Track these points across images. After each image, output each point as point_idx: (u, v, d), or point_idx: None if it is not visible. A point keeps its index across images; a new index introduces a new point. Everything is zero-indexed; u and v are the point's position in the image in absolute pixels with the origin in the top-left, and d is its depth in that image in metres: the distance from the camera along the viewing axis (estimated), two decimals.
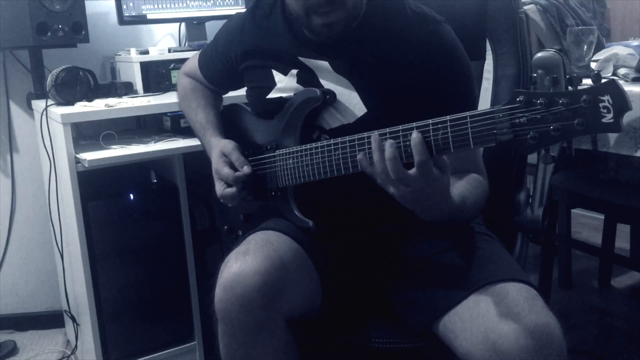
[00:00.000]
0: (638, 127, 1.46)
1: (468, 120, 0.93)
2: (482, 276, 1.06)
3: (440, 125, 0.95)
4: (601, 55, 1.78)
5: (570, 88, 0.85)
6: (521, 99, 0.88)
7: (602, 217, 2.54)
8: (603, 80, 0.83)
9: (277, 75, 1.27)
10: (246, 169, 1.25)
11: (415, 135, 0.96)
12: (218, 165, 1.28)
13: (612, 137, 1.51)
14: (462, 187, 1.12)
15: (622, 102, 0.81)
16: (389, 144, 0.98)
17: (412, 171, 0.96)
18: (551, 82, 0.86)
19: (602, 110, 0.82)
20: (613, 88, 0.81)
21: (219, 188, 1.29)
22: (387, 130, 1.02)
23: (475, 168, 1.20)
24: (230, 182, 1.26)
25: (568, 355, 0.97)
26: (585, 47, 1.76)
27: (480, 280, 1.05)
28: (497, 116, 0.90)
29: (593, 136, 0.87)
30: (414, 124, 0.98)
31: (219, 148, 1.30)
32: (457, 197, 1.07)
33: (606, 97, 0.82)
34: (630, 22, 2.29)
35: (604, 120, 0.82)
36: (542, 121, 0.86)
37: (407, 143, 0.98)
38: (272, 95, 1.28)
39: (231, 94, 1.55)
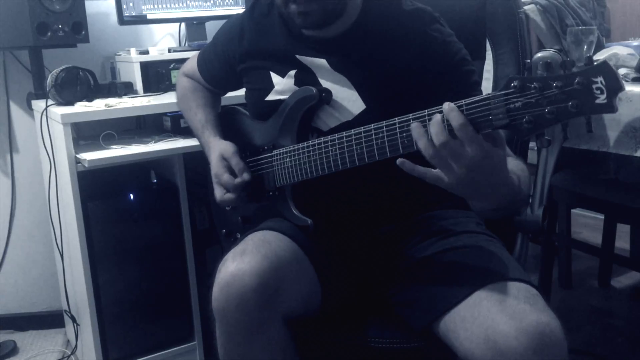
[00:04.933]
0: (638, 127, 1.46)
1: (464, 107, 0.93)
2: (483, 276, 1.06)
3: (437, 113, 0.95)
4: (601, 55, 1.78)
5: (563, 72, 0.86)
6: (516, 84, 0.88)
7: (602, 217, 2.54)
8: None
9: (275, 78, 1.27)
10: (245, 176, 1.25)
11: (445, 105, 0.93)
12: (218, 170, 1.28)
13: (612, 137, 1.51)
14: (512, 165, 1.05)
15: (614, 83, 0.82)
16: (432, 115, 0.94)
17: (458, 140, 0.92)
18: (544, 67, 0.87)
19: (595, 91, 0.83)
20: (605, 69, 0.83)
21: (219, 193, 1.29)
22: (384, 123, 1.02)
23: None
24: (229, 189, 1.26)
25: (568, 355, 0.96)
26: (585, 47, 1.75)
27: (481, 280, 1.05)
28: (493, 102, 0.91)
29: (587, 118, 0.87)
30: (410, 115, 0.99)
31: (219, 151, 1.30)
32: (514, 176, 1.02)
33: (599, 79, 0.83)
34: (630, 22, 2.29)
35: (597, 101, 0.83)
36: (536, 105, 0.87)
37: (404, 134, 0.99)
38: (271, 97, 1.28)
39: (230, 94, 1.55)
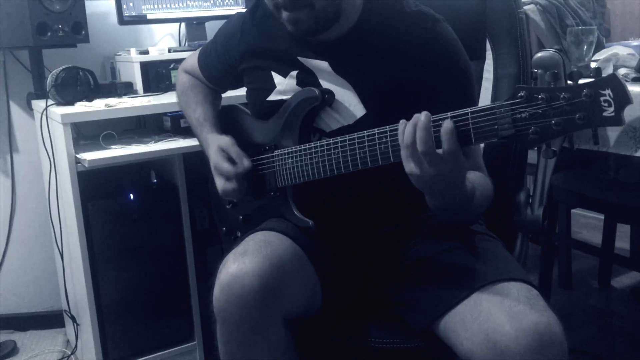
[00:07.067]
0: (638, 127, 1.46)
1: (469, 116, 0.93)
2: (483, 276, 1.06)
3: (441, 122, 0.95)
4: (601, 55, 1.78)
5: (570, 83, 0.85)
6: (522, 94, 0.88)
7: (602, 217, 2.54)
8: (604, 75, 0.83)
9: (277, 77, 1.27)
10: (246, 162, 1.25)
11: (446, 124, 0.94)
12: (217, 161, 1.28)
13: (612, 137, 1.51)
14: (471, 176, 1.09)
15: (623, 96, 0.82)
16: (424, 114, 0.96)
17: (440, 152, 0.95)
18: (552, 78, 0.86)
19: (603, 104, 0.82)
20: (614, 82, 0.82)
21: (220, 184, 1.28)
22: (388, 128, 1.02)
23: (477, 167, 1.19)
24: (230, 177, 1.26)
25: (568, 355, 0.96)
26: (585, 47, 1.75)
27: (481, 280, 1.05)
28: (499, 111, 0.90)
29: (594, 130, 0.87)
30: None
31: (217, 143, 1.30)
32: (469, 185, 1.05)
33: (607, 91, 0.82)
34: (630, 22, 2.29)
35: (605, 113, 0.82)
36: (543, 116, 0.87)
37: None
38: (273, 97, 1.28)
39: (230, 93, 1.55)
